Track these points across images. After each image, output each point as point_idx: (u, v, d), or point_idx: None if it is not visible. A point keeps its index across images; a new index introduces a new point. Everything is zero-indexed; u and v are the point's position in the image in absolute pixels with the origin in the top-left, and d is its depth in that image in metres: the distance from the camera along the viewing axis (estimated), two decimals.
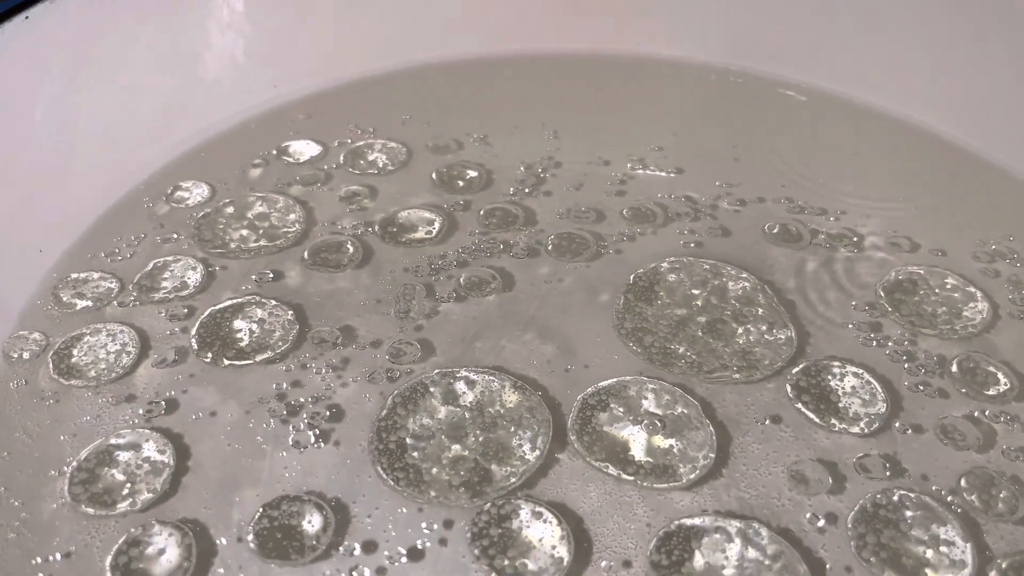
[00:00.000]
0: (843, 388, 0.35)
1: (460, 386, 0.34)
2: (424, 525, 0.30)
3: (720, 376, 0.35)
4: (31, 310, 0.38)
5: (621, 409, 0.33)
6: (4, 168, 0.38)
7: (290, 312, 0.38)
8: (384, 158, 0.48)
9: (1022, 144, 0.48)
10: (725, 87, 0.56)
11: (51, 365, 0.36)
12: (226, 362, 0.36)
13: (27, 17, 0.38)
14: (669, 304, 0.38)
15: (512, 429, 0.33)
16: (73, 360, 0.36)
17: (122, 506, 0.30)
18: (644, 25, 0.57)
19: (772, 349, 0.36)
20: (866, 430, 0.33)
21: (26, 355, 0.36)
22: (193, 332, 0.37)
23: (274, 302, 0.38)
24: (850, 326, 0.38)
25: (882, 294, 0.39)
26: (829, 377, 0.35)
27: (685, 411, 0.33)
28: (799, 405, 0.34)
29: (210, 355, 0.36)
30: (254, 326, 0.37)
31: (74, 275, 0.40)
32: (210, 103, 0.50)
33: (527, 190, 0.46)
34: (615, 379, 0.34)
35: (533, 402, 0.34)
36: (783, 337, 0.37)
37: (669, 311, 0.38)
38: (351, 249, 0.41)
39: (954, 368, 0.36)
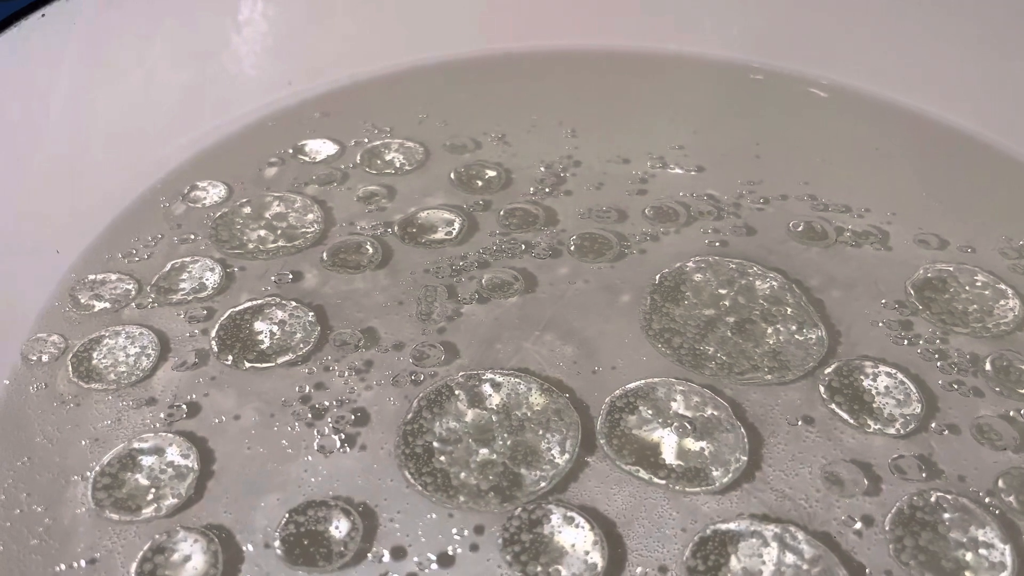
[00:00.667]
0: (876, 388, 0.34)
1: (486, 388, 0.34)
2: (454, 531, 0.29)
3: (752, 377, 0.34)
4: (49, 312, 0.37)
5: (650, 411, 0.33)
6: (20, 167, 0.38)
7: (311, 313, 0.37)
8: (401, 158, 0.48)
9: None
10: (746, 84, 0.56)
11: (70, 368, 0.35)
12: (247, 364, 0.35)
13: (43, 15, 0.37)
14: (696, 304, 0.38)
15: (540, 432, 0.32)
16: (93, 363, 0.35)
17: (147, 511, 0.30)
18: (663, 21, 0.56)
19: (803, 349, 0.36)
20: (902, 431, 0.32)
21: (45, 358, 0.36)
22: (213, 334, 0.36)
23: (294, 303, 0.38)
24: (880, 324, 0.37)
25: (911, 292, 0.39)
26: (862, 377, 0.34)
27: (715, 413, 0.33)
28: (832, 406, 0.33)
29: (231, 357, 0.35)
30: (275, 328, 0.36)
31: (91, 276, 0.39)
32: (226, 101, 0.50)
33: (547, 190, 0.45)
34: (643, 380, 0.34)
35: (560, 404, 0.33)
36: (813, 337, 0.36)
37: (697, 311, 0.37)
38: (370, 250, 0.41)
39: (987, 367, 0.35)
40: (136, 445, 0.32)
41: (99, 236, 0.41)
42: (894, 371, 0.35)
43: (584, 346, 0.36)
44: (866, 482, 0.31)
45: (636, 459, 0.31)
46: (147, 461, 0.31)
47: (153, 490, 0.31)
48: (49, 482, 0.31)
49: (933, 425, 0.33)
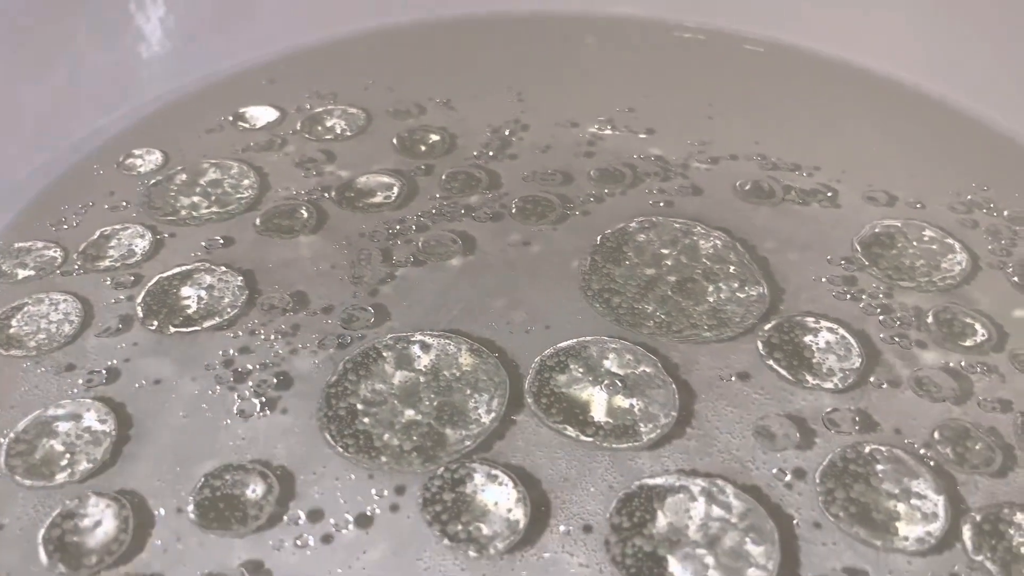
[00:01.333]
0: (817, 344, 0.33)
1: (415, 350, 0.33)
2: (374, 492, 0.28)
3: (690, 335, 0.34)
4: None
5: (581, 370, 0.32)
6: None
7: (240, 278, 0.36)
8: (343, 124, 0.46)
9: (995, 93, 0.47)
10: (697, 45, 0.55)
11: None
12: (172, 330, 0.34)
13: None
14: (638, 264, 0.37)
15: (468, 392, 0.31)
16: (12, 331, 0.34)
17: (60, 477, 0.29)
18: None
19: (744, 306, 0.35)
20: (840, 385, 0.32)
21: None
22: (139, 300, 0.35)
23: (223, 268, 0.37)
24: (824, 280, 0.36)
25: (859, 248, 0.38)
26: (802, 333, 0.34)
27: (647, 370, 0.32)
28: (770, 362, 0.33)
29: (156, 323, 0.34)
30: (202, 292, 0.36)
31: (17, 244, 0.38)
32: (168, 70, 0.49)
33: (491, 153, 0.44)
34: (575, 340, 0.33)
35: (490, 365, 0.32)
36: (755, 294, 0.35)
37: (638, 271, 0.37)
38: (305, 215, 0.40)
39: (930, 319, 0.35)
40: (52, 411, 0.31)
41: (27, 206, 0.40)
42: (835, 326, 0.34)
43: (520, 307, 0.35)
44: (799, 436, 0.30)
45: (564, 417, 0.30)
46: (63, 427, 0.31)
47: (68, 455, 0.30)
48: None
49: (872, 379, 0.32)
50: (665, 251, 0.37)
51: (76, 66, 0.44)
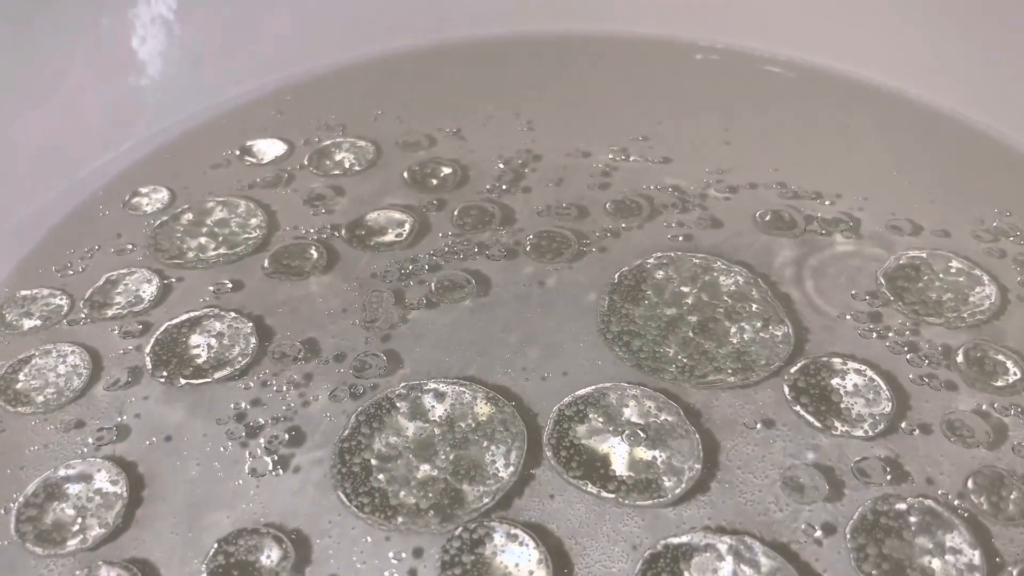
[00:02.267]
0: (845, 387, 0.32)
1: (428, 400, 0.32)
2: (392, 555, 0.28)
3: (714, 380, 0.33)
4: None
5: (601, 419, 0.31)
6: None
7: (250, 324, 0.35)
8: (352, 157, 0.46)
9: (1017, 115, 0.45)
10: (711, 66, 0.54)
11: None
12: (183, 381, 0.33)
13: None
14: (658, 304, 0.36)
15: (484, 444, 0.30)
16: (20, 386, 0.34)
17: (72, 543, 0.28)
18: (623, 2, 0.54)
19: (768, 347, 0.34)
20: (870, 432, 0.31)
21: None
22: (148, 350, 0.35)
23: (233, 314, 0.36)
24: (848, 317, 0.35)
25: (883, 282, 0.37)
26: (830, 375, 0.33)
27: (669, 419, 0.31)
28: (797, 407, 0.32)
29: (165, 374, 0.34)
30: (212, 341, 0.35)
31: (22, 292, 0.38)
32: (172, 101, 0.48)
33: (504, 187, 0.43)
34: (593, 387, 0.32)
35: (506, 414, 0.31)
36: (779, 334, 0.34)
37: (658, 311, 0.36)
38: (315, 255, 0.39)
39: (960, 358, 0.34)
40: (62, 472, 0.30)
41: (33, 250, 0.39)
42: (863, 368, 0.33)
43: (536, 351, 0.34)
44: (827, 487, 0.29)
45: (584, 472, 0.29)
46: (73, 489, 0.30)
47: (79, 520, 0.29)
48: None
49: (903, 425, 0.31)
50: (685, 289, 0.36)
51: (77, 101, 0.44)
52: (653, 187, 0.43)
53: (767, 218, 0.41)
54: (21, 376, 0.34)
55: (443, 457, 0.30)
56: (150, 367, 0.34)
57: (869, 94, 0.50)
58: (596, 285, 0.37)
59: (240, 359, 0.34)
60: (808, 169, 0.44)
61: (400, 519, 0.28)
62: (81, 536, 0.29)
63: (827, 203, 0.42)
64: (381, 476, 0.30)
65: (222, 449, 0.31)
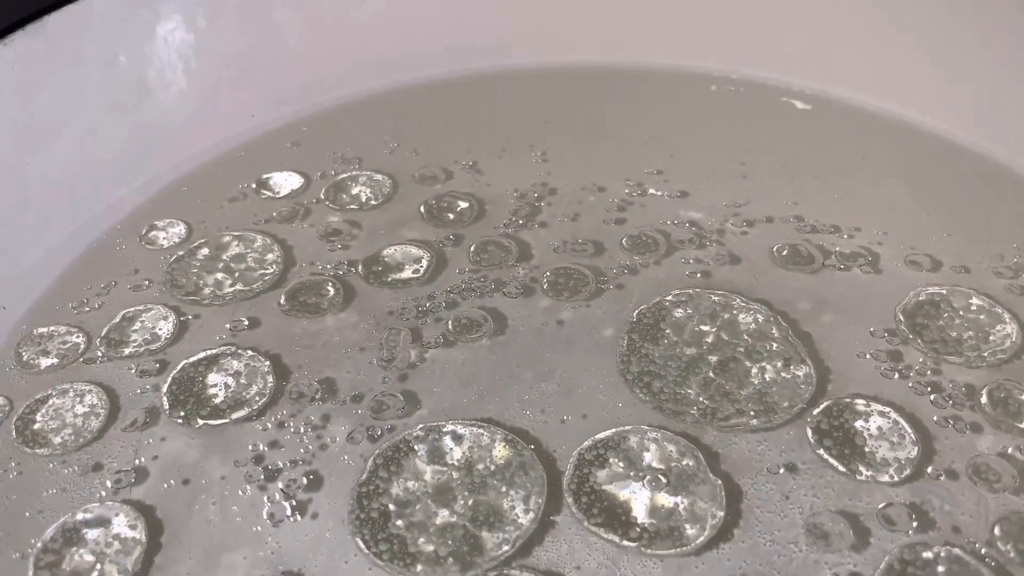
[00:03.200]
0: (869, 430, 0.32)
1: (447, 442, 0.32)
2: None
3: (737, 423, 0.32)
4: None
5: (621, 464, 0.31)
6: None
7: (267, 363, 0.35)
8: (368, 191, 0.46)
9: None
10: (726, 98, 0.53)
11: (14, 433, 0.33)
12: (200, 422, 0.33)
13: None
14: (677, 343, 0.36)
15: (503, 489, 0.30)
16: (37, 426, 0.33)
17: None
18: (634, 33, 0.54)
19: (790, 389, 0.33)
20: (895, 477, 0.30)
21: None
22: (165, 389, 0.34)
23: (250, 353, 0.36)
24: (868, 355, 0.35)
25: (902, 318, 0.37)
26: (853, 417, 0.32)
27: (690, 463, 0.31)
28: (820, 451, 0.31)
29: (183, 414, 0.34)
30: (229, 380, 0.35)
31: (39, 330, 0.38)
32: (188, 134, 0.48)
33: (521, 221, 0.43)
34: (613, 430, 0.32)
35: (525, 457, 0.31)
36: (801, 374, 0.34)
37: (678, 351, 0.35)
38: (331, 292, 0.39)
39: (984, 399, 0.33)
40: (80, 516, 0.30)
41: (50, 287, 0.39)
42: (887, 410, 0.33)
43: (555, 391, 0.34)
44: (853, 535, 0.29)
45: (605, 518, 0.29)
46: (92, 534, 0.30)
47: (98, 567, 0.29)
48: None
49: (929, 470, 0.31)
50: (705, 327, 0.36)
51: (93, 135, 0.44)
52: (670, 222, 0.43)
53: (784, 252, 0.40)
54: (39, 416, 0.34)
55: (462, 502, 0.30)
56: (167, 407, 0.34)
57: (887, 126, 0.50)
58: (614, 323, 0.37)
59: (257, 399, 0.34)
60: (826, 202, 0.44)
61: (419, 567, 0.28)
62: None
63: (845, 237, 0.41)
64: (400, 522, 0.29)
65: (240, 492, 0.31)
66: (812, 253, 0.40)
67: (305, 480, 0.31)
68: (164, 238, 0.43)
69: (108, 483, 0.31)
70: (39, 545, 0.29)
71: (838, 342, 0.36)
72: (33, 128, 0.41)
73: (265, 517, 0.30)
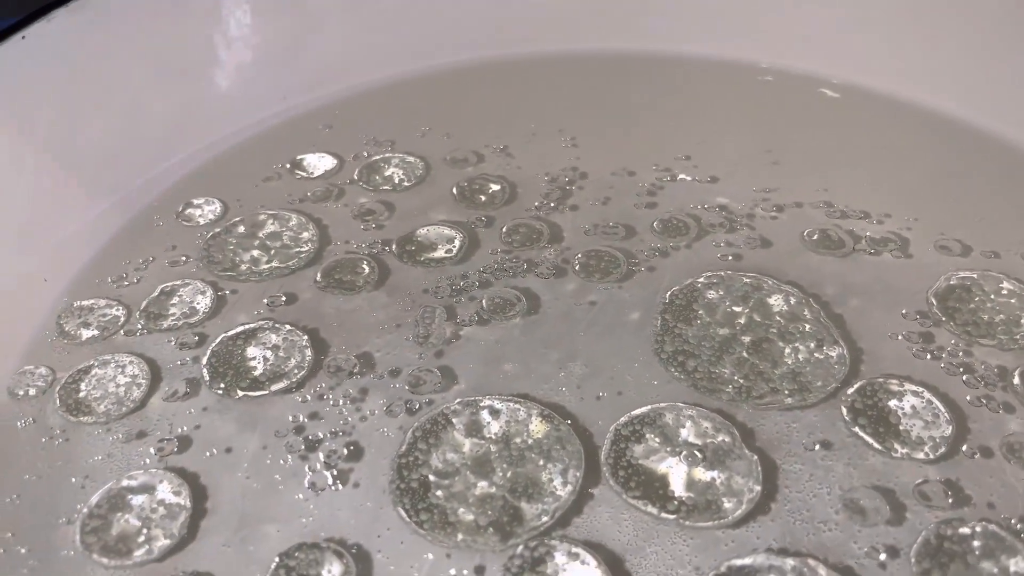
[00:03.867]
0: (903, 409, 0.32)
1: (484, 416, 0.32)
2: (453, 572, 0.28)
3: (771, 401, 0.33)
4: (36, 343, 0.36)
5: (657, 439, 0.31)
6: (3, 195, 0.37)
7: (305, 337, 0.36)
8: (401, 173, 0.46)
9: None
10: (755, 86, 0.54)
11: (58, 401, 0.34)
12: (240, 393, 0.34)
13: (24, 37, 0.36)
14: (710, 323, 0.36)
15: (541, 462, 0.30)
16: (81, 395, 0.34)
17: (138, 554, 0.29)
18: (666, 21, 0.54)
19: (824, 368, 0.34)
20: (931, 455, 0.31)
21: (32, 392, 0.34)
22: (204, 361, 0.35)
23: (288, 327, 0.36)
24: (900, 337, 0.35)
25: (934, 302, 0.37)
26: (887, 397, 0.33)
27: (727, 439, 0.31)
28: (856, 428, 0.32)
29: (223, 386, 0.34)
30: (268, 353, 0.35)
31: (80, 303, 0.38)
32: (222, 116, 0.48)
33: (552, 204, 0.43)
34: (649, 407, 0.32)
35: (562, 432, 0.31)
36: (834, 355, 0.34)
37: (711, 331, 0.36)
38: (367, 269, 0.39)
39: (1016, 380, 0.33)
40: (126, 483, 0.31)
41: (90, 261, 0.40)
42: (921, 390, 0.33)
43: (590, 370, 0.34)
44: (889, 510, 0.29)
45: (643, 492, 0.29)
46: (137, 500, 0.30)
47: (144, 531, 0.29)
48: (38, 523, 0.30)
49: (964, 448, 0.31)
50: (737, 308, 0.36)
51: (133, 112, 0.44)
52: (700, 206, 0.43)
53: (815, 237, 0.41)
54: (82, 386, 0.34)
55: (500, 474, 0.30)
56: (207, 379, 0.34)
57: (915, 113, 0.50)
58: (646, 304, 0.37)
59: (296, 371, 0.34)
60: (856, 189, 0.44)
61: (460, 536, 0.28)
62: (147, 547, 0.29)
63: (875, 222, 0.41)
64: (439, 492, 0.30)
65: (282, 462, 0.31)
66: (842, 238, 0.41)
67: (345, 451, 0.31)
68: (200, 215, 0.43)
69: (152, 451, 0.32)
70: (85, 511, 0.30)
71: (869, 324, 0.36)
72: (74, 105, 0.41)
73: (307, 486, 0.30)
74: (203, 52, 0.47)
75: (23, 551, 0.29)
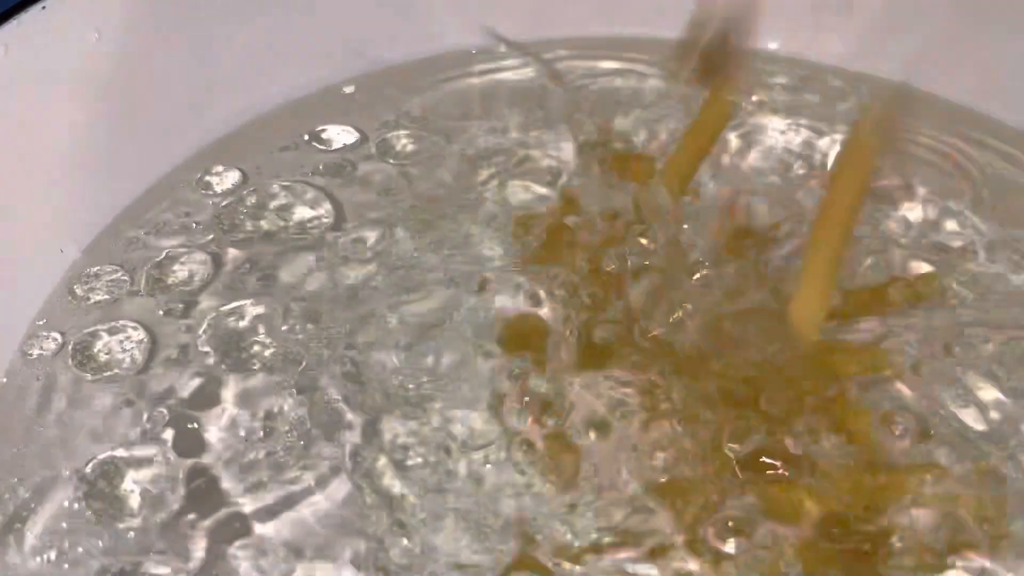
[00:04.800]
0: None
1: None
2: None
3: None
4: (48, 305, 0.38)
5: None
6: (21, 162, 0.37)
7: (305, 317, 0.36)
8: (413, 145, 0.45)
9: None
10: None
11: (70, 361, 0.35)
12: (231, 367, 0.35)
13: (44, 7, 0.37)
14: None
15: None
16: (91, 354, 0.35)
17: (134, 521, 0.30)
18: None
19: None
20: None
21: (44, 353, 0.36)
22: (202, 331, 0.36)
23: (291, 300, 0.37)
24: None
25: None
26: None
27: None
28: None
29: (225, 362, 0.35)
30: (264, 329, 0.36)
31: (91, 268, 0.39)
32: (247, 84, 0.48)
33: None
34: None
35: None
36: None
37: None
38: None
39: None
40: (132, 439, 0.32)
41: (104, 227, 0.41)
42: None
43: None
44: None
45: None
46: (138, 465, 0.32)
47: (140, 499, 0.31)
48: (40, 480, 0.32)
49: None
50: None
51: (162, 80, 0.44)
52: None
53: None
54: (94, 348, 0.36)
55: None
56: (207, 350, 0.35)
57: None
58: None
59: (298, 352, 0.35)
60: None
61: None
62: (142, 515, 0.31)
63: None
64: None
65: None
66: None
67: None
68: (218, 183, 0.44)
69: (155, 413, 0.33)
70: (87, 470, 0.32)
71: None
72: (97, 73, 0.42)
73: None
74: (234, 22, 0.46)
75: (25, 494, 0.31)
